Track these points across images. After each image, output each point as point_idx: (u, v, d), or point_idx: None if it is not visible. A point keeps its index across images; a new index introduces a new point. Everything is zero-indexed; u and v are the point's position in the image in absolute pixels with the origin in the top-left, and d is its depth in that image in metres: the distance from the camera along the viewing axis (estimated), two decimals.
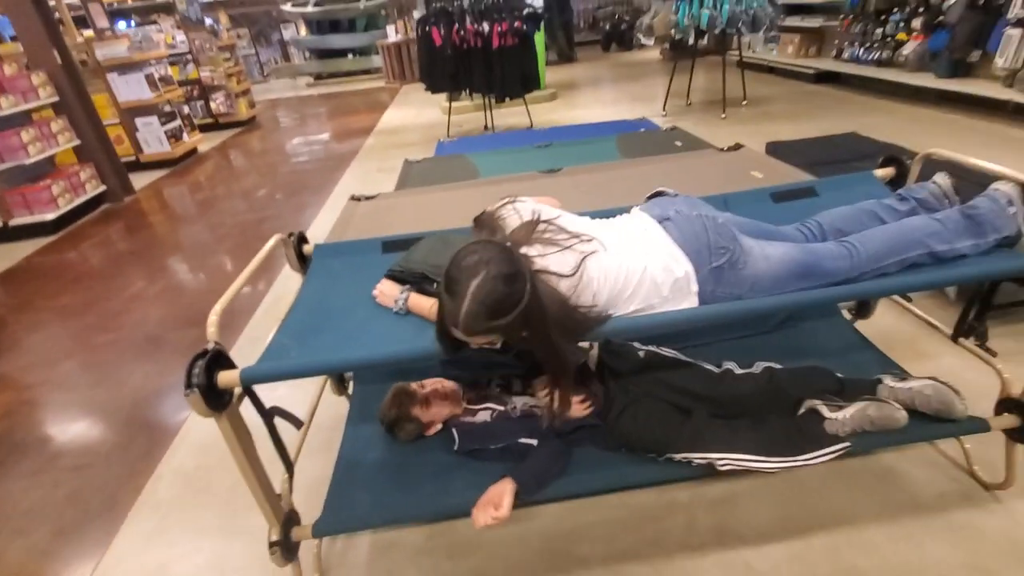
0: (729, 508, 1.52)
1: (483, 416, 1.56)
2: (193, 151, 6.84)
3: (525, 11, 5.18)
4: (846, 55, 6.17)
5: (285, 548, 1.26)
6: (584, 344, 1.63)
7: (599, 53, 11.60)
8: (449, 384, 1.59)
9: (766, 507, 1.51)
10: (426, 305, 1.22)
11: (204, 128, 7.79)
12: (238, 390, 1.11)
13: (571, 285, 1.02)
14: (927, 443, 1.63)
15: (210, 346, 1.04)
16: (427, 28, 5.15)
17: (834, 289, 1.17)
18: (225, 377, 1.03)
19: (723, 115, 5.56)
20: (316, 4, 11.72)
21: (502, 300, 0.91)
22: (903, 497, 1.50)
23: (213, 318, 1.09)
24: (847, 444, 1.33)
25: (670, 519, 1.51)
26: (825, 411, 1.40)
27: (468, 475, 1.45)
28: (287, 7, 12.12)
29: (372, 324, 1.25)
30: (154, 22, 7.94)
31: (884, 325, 2.10)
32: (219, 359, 1.04)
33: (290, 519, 1.31)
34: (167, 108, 6.30)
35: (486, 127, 5.96)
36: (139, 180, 5.77)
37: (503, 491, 1.22)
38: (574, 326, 1.02)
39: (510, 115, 6.52)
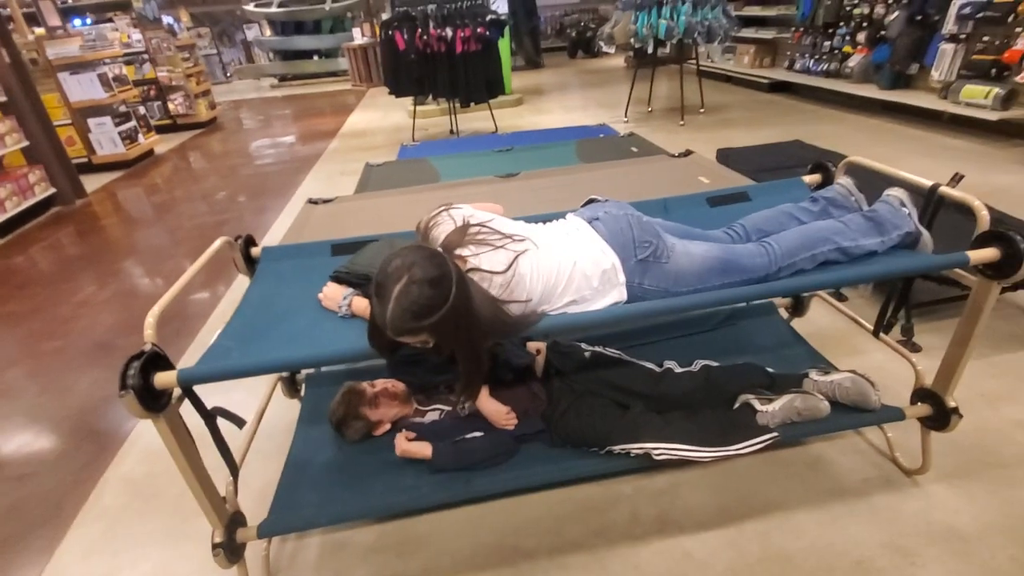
0: (670, 499, 1.59)
1: (432, 416, 1.59)
2: (149, 153, 6.66)
3: (488, 17, 5.24)
4: (798, 66, 6.43)
5: (229, 550, 1.26)
6: (532, 345, 1.68)
7: (566, 60, 11.77)
8: (399, 385, 1.62)
9: (704, 497, 1.58)
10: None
11: (162, 129, 7.59)
12: (177, 392, 1.11)
13: (504, 281, 1.07)
14: (853, 432, 1.73)
15: (147, 347, 1.05)
16: (390, 32, 5.15)
17: (753, 287, 1.24)
18: (162, 378, 1.03)
19: (681, 122, 5.72)
20: (280, 5, 11.56)
21: (426, 303, 0.95)
22: (830, 483, 1.59)
23: (150, 319, 1.09)
24: (775, 434, 1.41)
25: (614, 511, 1.57)
26: (757, 404, 1.49)
27: (417, 473, 1.48)
28: (250, 7, 11.91)
29: (317, 326, 1.27)
30: (110, 20, 7.69)
31: (820, 323, 2.22)
32: (156, 360, 1.05)
33: (235, 521, 1.31)
34: (122, 108, 6.12)
35: (451, 131, 5.99)
36: (92, 182, 5.59)
37: (418, 449, 1.48)
38: (504, 326, 1.07)
39: (476, 120, 6.56)
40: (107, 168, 6.05)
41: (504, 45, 5.97)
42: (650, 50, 5.52)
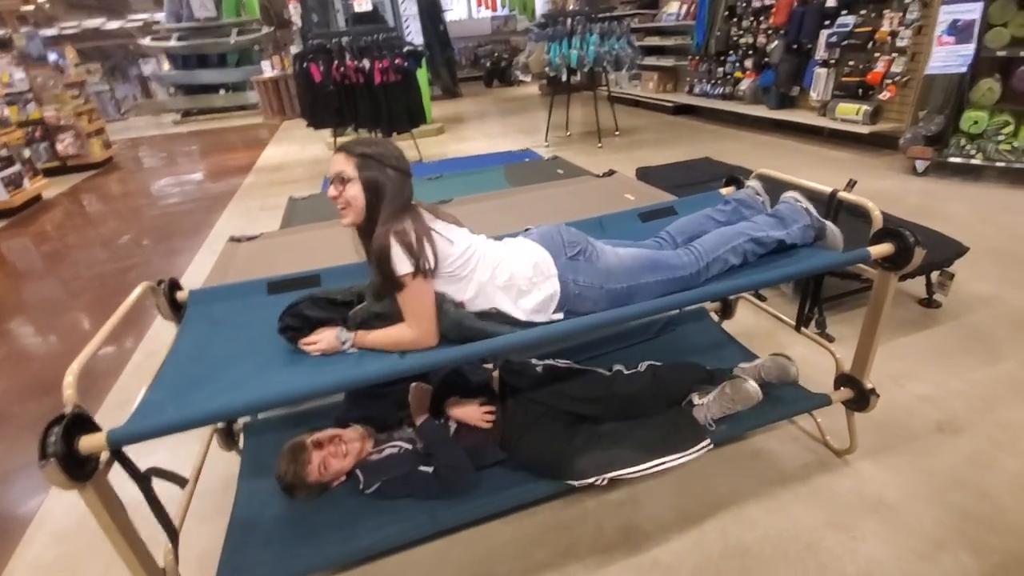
0: (632, 507, 1.62)
1: (390, 451, 1.53)
2: (37, 198, 6.04)
3: (406, 48, 5.28)
4: (697, 90, 6.99)
5: None
6: (487, 364, 1.68)
7: (482, 89, 12.05)
8: (349, 433, 1.54)
9: (664, 501, 1.63)
10: (372, 338, 1.26)
11: (50, 172, 6.91)
12: (105, 456, 1.00)
13: (450, 234, 1.28)
14: (788, 421, 1.86)
15: (67, 409, 0.94)
16: (304, 64, 5.06)
17: (687, 293, 1.31)
18: (88, 441, 0.93)
19: (599, 144, 6.01)
20: (180, 39, 11.01)
21: (385, 155, 1.26)
22: (772, 472, 1.69)
23: (70, 378, 0.98)
24: (708, 444, 1.47)
25: (579, 527, 1.57)
26: (696, 399, 1.59)
27: (375, 516, 1.41)
28: (146, 41, 11.26)
29: (261, 371, 1.20)
30: None
31: (746, 323, 2.38)
32: (80, 423, 0.94)
33: None
34: (3, 153, 5.53)
35: None
36: None
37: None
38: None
39: None
40: None
41: (422, 75, 6.03)
42: (564, 78, 5.79)
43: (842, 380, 1.67)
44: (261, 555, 1.32)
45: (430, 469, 1.46)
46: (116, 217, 5.43)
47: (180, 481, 1.16)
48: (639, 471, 1.41)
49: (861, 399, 1.61)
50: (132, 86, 14.33)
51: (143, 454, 1.02)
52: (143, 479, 1.08)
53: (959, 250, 2.34)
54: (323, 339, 1.25)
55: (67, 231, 5.12)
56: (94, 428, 0.96)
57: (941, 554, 1.41)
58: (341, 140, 6.18)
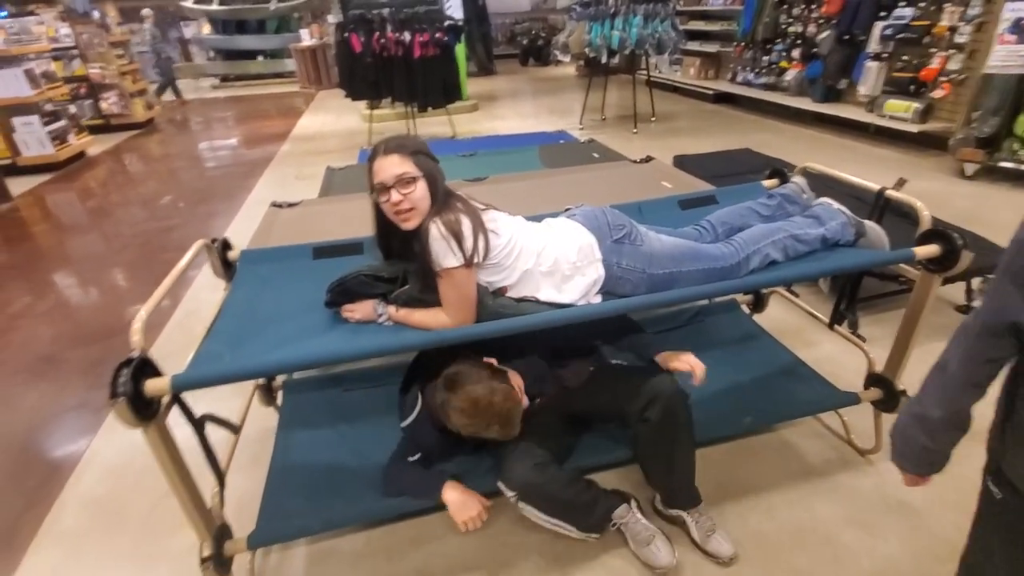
0: (648, 489, 1.64)
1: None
2: (81, 155, 6.23)
3: (446, 23, 5.25)
4: (739, 78, 6.80)
5: (218, 563, 1.22)
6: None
7: (517, 67, 11.92)
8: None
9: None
10: (413, 317, 1.25)
11: (95, 130, 7.12)
12: (166, 400, 1.07)
13: (493, 216, 1.29)
14: (813, 418, 1.86)
15: (135, 353, 1.00)
16: (346, 34, 5.07)
17: (722, 284, 1.32)
18: (153, 385, 0.99)
19: (635, 130, 5.93)
20: (222, 3, 11.10)
21: (425, 147, 1.26)
22: (796, 465, 1.71)
23: (138, 324, 1.05)
24: (596, 538, 1.44)
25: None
26: (634, 506, 1.47)
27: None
28: (189, 3, 11.38)
29: (307, 330, 1.25)
30: (33, 13, 7.15)
31: (777, 317, 2.37)
32: (144, 367, 1.01)
33: (222, 533, 1.27)
34: (50, 107, 5.71)
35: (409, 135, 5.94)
36: (17, 186, 5.18)
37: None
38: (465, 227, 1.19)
39: (432, 124, 6.55)
40: (34, 171, 5.62)
41: (460, 50, 5.99)
42: (603, 60, 5.70)
43: (873, 380, 1.66)
44: (296, 503, 1.40)
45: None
46: (156, 178, 5.59)
47: (232, 428, 1.23)
48: (539, 520, 1.38)
49: (890, 400, 1.61)
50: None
51: (190, 402, 1.08)
52: (199, 424, 1.15)
53: None
54: (360, 308, 1.28)
55: (110, 189, 5.29)
56: (158, 373, 1.03)
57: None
58: (377, 112, 6.23)
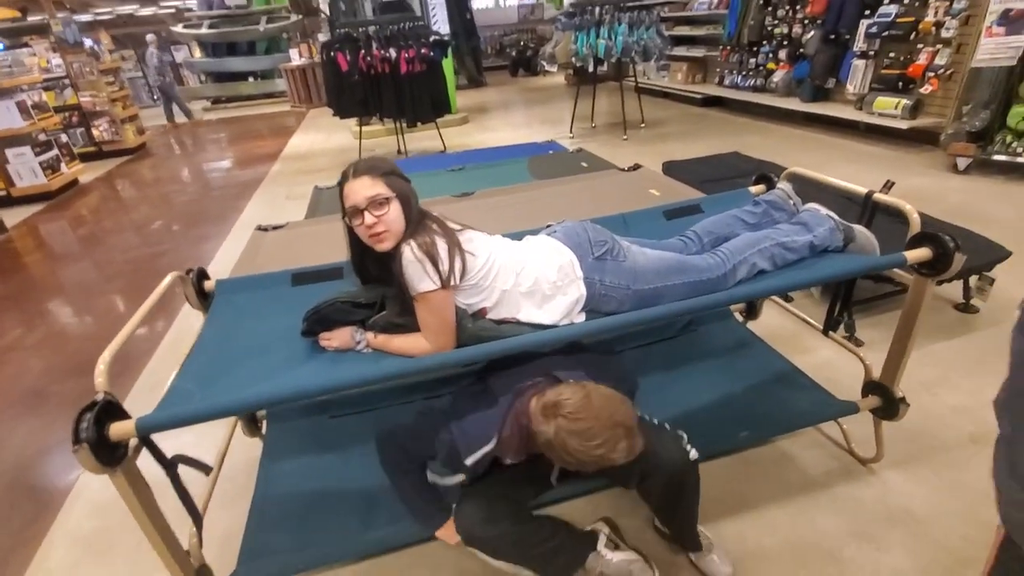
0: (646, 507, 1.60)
1: None
2: (74, 182, 6.24)
3: (432, 38, 5.27)
4: (727, 82, 6.81)
5: None
6: None
7: (507, 78, 11.97)
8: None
9: None
10: (392, 344, 1.22)
11: (86, 157, 7.14)
12: (134, 442, 1.03)
13: (469, 236, 1.24)
14: (812, 428, 1.82)
15: (99, 396, 0.97)
16: (332, 53, 5.08)
17: (714, 296, 1.28)
18: (118, 428, 0.96)
19: (625, 136, 5.93)
20: (211, 26, 11.19)
21: (396, 167, 1.22)
22: (795, 477, 1.66)
23: (101, 366, 1.01)
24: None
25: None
26: (602, 545, 1.40)
27: (392, 507, 1.43)
28: (178, 28, 11.47)
29: (284, 362, 1.21)
30: (26, 45, 7.19)
31: (772, 324, 2.33)
32: (110, 410, 0.97)
33: (201, 574, 1.22)
34: (42, 137, 5.72)
35: (399, 151, 5.94)
36: (12, 216, 5.18)
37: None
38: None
39: (423, 139, 6.55)
40: (28, 201, 5.63)
41: (448, 65, 6.01)
42: (590, 68, 5.71)
43: (871, 387, 1.62)
44: (280, 540, 1.35)
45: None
46: (148, 203, 5.58)
47: (205, 469, 1.19)
48: (486, 560, 1.28)
49: (890, 407, 1.56)
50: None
51: (171, 436, 1.04)
52: (170, 466, 1.11)
53: (1001, 254, 2.24)
54: (337, 336, 1.24)
55: (102, 215, 5.29)
56: (124, 415, 0.99)
57: (968, 572, 1.37)
58: (367, 129, 6.23)
